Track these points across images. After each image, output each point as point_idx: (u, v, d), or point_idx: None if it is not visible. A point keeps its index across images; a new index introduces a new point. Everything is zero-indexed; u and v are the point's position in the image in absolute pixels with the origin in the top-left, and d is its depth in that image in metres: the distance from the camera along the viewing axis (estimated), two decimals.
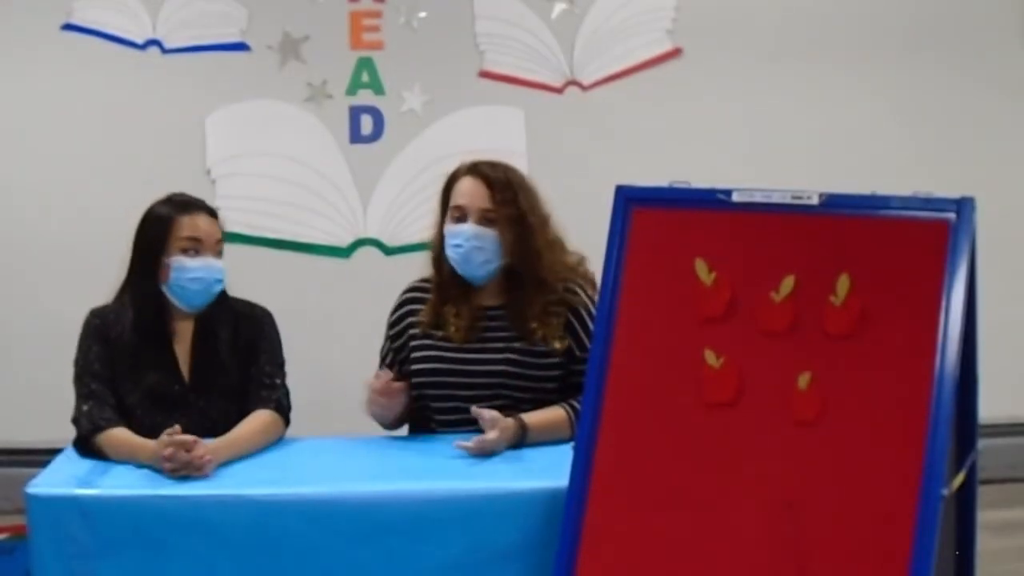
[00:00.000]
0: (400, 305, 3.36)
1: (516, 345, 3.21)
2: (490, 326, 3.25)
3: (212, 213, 3.25)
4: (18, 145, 5.18)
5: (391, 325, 3.35)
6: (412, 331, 3.29)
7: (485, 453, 2.96)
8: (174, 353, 3.20)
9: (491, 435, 2.96)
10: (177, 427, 2.85)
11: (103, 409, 3.05)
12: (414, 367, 3.27)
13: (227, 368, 3.20)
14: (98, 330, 3.18)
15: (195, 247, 3.16)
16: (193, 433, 2.88)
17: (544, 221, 3.29)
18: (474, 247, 3.19)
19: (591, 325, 3.22)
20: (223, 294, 3.24)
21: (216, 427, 3.05)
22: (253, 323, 3.27)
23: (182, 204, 3.22)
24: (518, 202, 3.24)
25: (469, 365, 3.22)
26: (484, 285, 3.27)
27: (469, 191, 3.23)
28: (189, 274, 3.14)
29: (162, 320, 3.19)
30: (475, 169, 3.26)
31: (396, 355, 3.33)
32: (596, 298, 3.25)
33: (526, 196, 3.27)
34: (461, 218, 3.21)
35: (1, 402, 5.11)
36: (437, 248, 3.31)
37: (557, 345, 3.21)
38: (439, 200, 3.32)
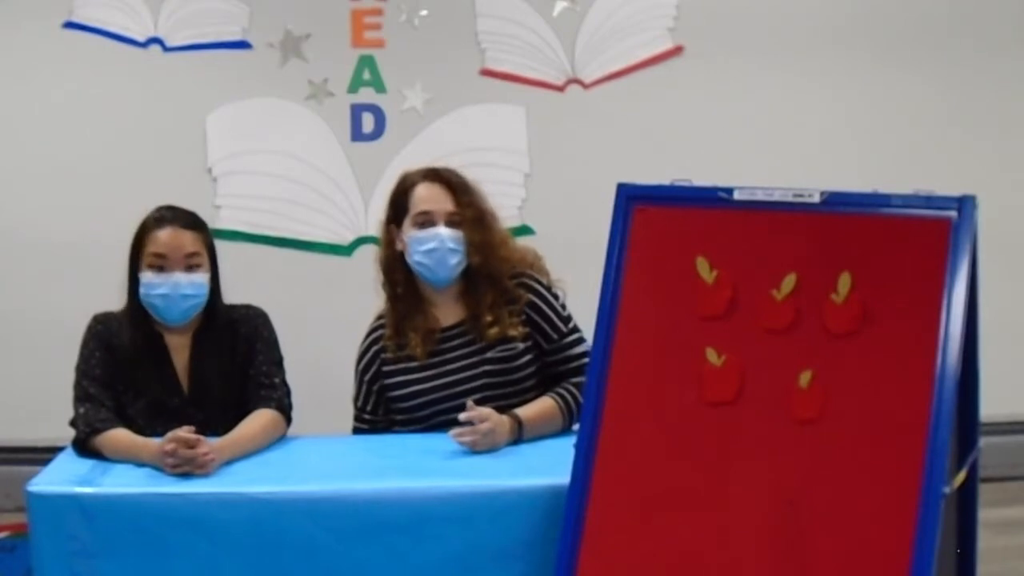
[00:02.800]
0: (368, 347, 3.34)
1: (488, 356, 3.23)
2: (457, 344, 3.26)
3: (189, 225, 3.21)
4: (18, 143, 5.18)
5: (363, 371, 3.33)
6: (385, 368, 3.29)
7: (482, 447, 2.97)
8: (173, 366, 3.20)
9: (484, 426, 2.96)
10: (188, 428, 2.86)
11: (99, 411, 3.05)
12: (396, 406, 3.29)
13: (227, 379, 3.20)
14: (100, 335, 3.19)
15: (160, 263, 3.14)
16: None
17: (495, 218, 3.32)
18: (449, 249, 3.20)
19: (552, 312, 3.28)
20: (214, 303, 3.23)
21: (217, 437, 3.04)
22: (248, 325, 3.26)
23: (156, 218, 3.20)
24: (476, 202, 3.27)
25: (448, 389, 3.23)
26: (442, 294, 3.28)
27: (432, 196, 3.24)
28: (154, 290, 3.14)
29: (154, 333, 3.20)
30: (432, 174, 3.27)
31: (378, 396, 3.32)
32: (554, 290, 3.32)
33: (480, 196, 3.30)
34: (428, 223, 3.21)
35: (1, 401, 5.11)
36: (388, 259, 3.30)
37: (513, 333, 3.22)
38: (388, 212, 3.31)
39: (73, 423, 3.07)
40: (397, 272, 3.28)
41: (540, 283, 3.31)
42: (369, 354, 3.33)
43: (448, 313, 3.30)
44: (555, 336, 3.27)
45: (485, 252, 3.24)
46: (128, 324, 3.19)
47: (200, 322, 3.22)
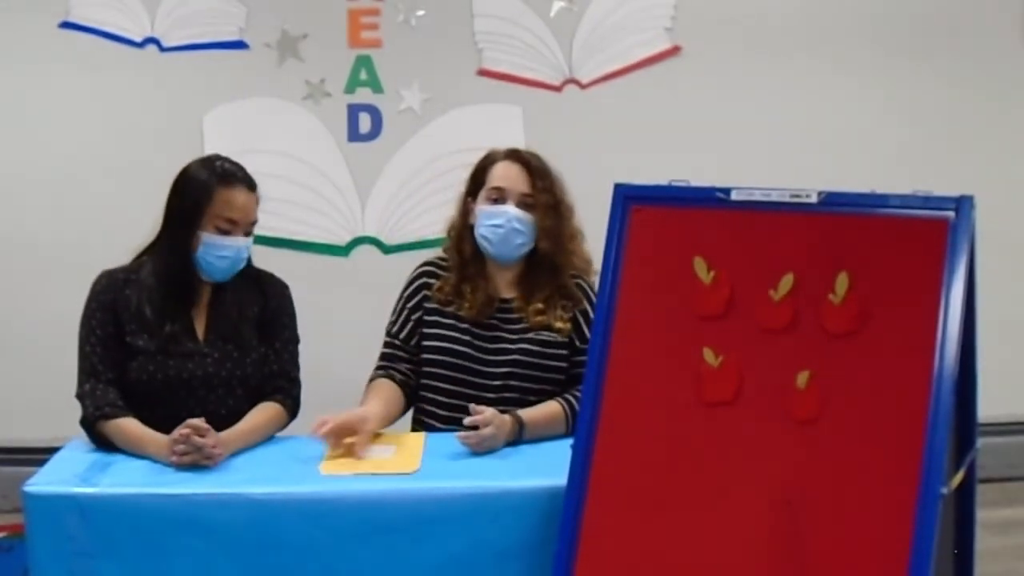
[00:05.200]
0: (417, 277, 3.39)
1: (529, 336, 3.25)
2: (505, 318, 3.29)
3: (253, 187, 3.18)
4: (15, 143, 5.17)
5: (408, 297, 3.37)
6: (427, 305, 3.33)
7: (484, 448, 2.97)
8: (190, 314, 3.17)
9: (487, 430, 2.97)
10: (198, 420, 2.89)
11: (107, 393, 3.05)
12: (427, 355, 3.31)
13: (245, 320, 3.18)
14: (104, 292, 3.14)
15: (230, 228, 3.12)
16: (207, 381, 3.07)
17: (572, 211, 3.36)
18: (514, 229, 3.25)
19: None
20: None
21: (231, 376, 3.10)
22: (276, 288, 3.27)
23: (225, 174, 3.14)
24: (554, 189, 3.30)
25: (483, 354, 3.25)
26: (505, 270, 3.32)
27: (509, 175, 3.29)
28: (218, 252, 3.11)
29: (186, 284, 3.15)
30: (515, 155, 3.33)
31: (414, 327, 3.34)
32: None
33: (560, 185, 3.34)
34: (500, 200, 3.27)
35: (0, 401, 5.10)
36: (460, 228, 3.36)
37: (560, 326, 3.25)
38: (468, 181, 3.37)
39: (80, 397, 3.07)
40: (466, 243, 3.34)
41: (595, 292, 3.28)
42: (416, 284, 3.38)
43: (504, 289, 3.34)
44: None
45: (554, 240, 3.28)
46: (163, 272, 3.13)
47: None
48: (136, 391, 3.08)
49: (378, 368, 3.37)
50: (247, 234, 3.17)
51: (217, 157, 3.21)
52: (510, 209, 3.25)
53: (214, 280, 3.18)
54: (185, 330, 3.15)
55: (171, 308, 3.14)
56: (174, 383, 3.09)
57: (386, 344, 3.39)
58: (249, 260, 3.24)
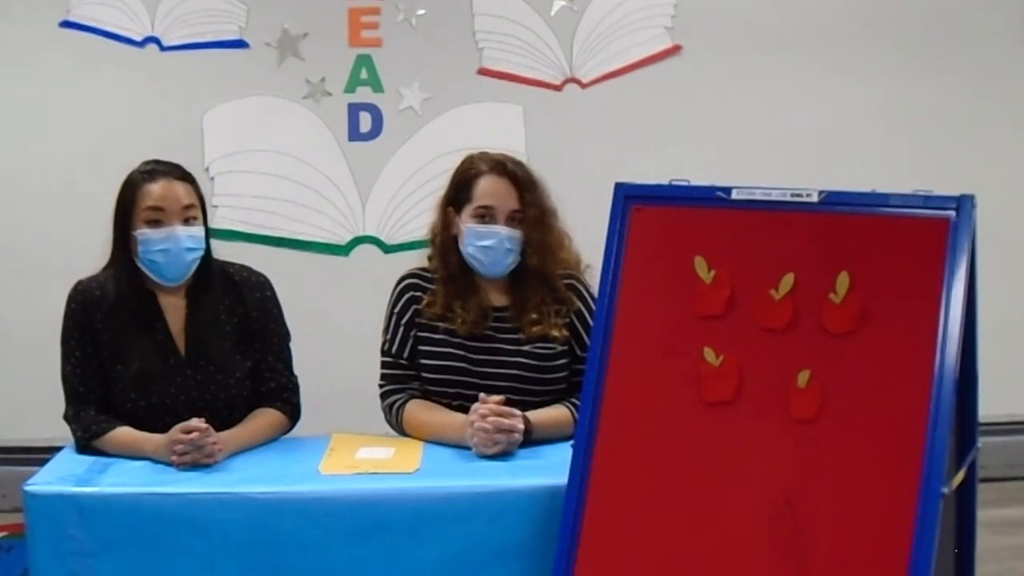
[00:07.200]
0: (403, 291, 3.26)
1: (526, 349, 3.19)
2: (500, 327, 3.21)
3: (182, 177, 3.09)
4: (15, 142, 5.17)
5: (399, 313, 3.24)
6: (418, 320, 3.22)
7: (496, 451, 2.93)
8: (167, 326, 3.09)
9: (515, 436, 2.95)
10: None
11: (90, 411, 3.02)
12: (424, 373, 3.22)
13: (227, 338, 3.12)
14: (80, 309, 3.07)
15: (158, 217, 3.03)
16: (191, 405, 2.99)
17: (556, 216, 3.27)
18: (505, 249, 3.16)
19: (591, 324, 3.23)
20: (209, 260, 3.13)
21: (216, 399, 3.06)
22: (255, 292, 3.18)
23: (146, 171, 3.09)
24: (540, 200, 3.22)
25: (481, 367, 3.18)
26: (491, 283, 3.24)
27: (497, 191, 3.18)
28: (154, 246, 3.02)
29: (146, 294, 3.09)
30: (501, 168, 3.20)
31: (414, 343, 3.22)
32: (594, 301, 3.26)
33: (544, 192, 3.25)
34: (488, 218, 3.17)
35: (0, 401, 5.10)
36: (445, 241, 3.25)
37: (556, 334, 3.18)
38: (449, 192, 3.26)
39: (67, 419, 3.05)
40: (451, 256, 3.22)
41: (589, 291, 3.24)
42: (405, 298, 3.24)
43: (495, 298, 3.25)
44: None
45: (543, 253, 3.20)
46: (117, 288, 3.07)
47: (193, 280, 3.11)
48: (120, 417, 3.04)
49: (395, 392, 3.22)
50: (186, 221, 3.05)
51: (148, 161, 3.14)
52: (501, 230, 3.15)
53: (170, 281, 3.08)
54: (163, 350, 3.08)
55: (141, 333, 3.07)
56: (157, 409, 3.03)
57: (389, 365, 3.24)
58: (209, 256, 3.12)
